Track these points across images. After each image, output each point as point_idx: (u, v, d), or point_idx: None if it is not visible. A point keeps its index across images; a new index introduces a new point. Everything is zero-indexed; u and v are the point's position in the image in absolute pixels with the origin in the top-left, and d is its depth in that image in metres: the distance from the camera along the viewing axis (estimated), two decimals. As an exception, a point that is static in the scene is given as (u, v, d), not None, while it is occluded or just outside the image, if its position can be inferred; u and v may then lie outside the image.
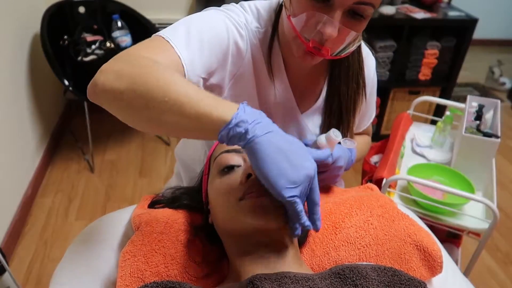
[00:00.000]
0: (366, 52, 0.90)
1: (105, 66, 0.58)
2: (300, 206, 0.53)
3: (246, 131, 0.50)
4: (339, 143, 0.78)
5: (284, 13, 0.73)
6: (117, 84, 0.55)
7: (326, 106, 0.87)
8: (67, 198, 2.09)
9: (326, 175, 0.82)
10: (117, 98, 0.55)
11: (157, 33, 0.68)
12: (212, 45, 0.69)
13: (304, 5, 0.67)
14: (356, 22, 0.67)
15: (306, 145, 0.83)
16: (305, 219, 0.54)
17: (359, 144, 1.01)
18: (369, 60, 0.90)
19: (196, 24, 0.69)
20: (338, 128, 0.85)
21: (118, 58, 0.59)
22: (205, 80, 0.71)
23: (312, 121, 0.89)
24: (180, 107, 0.51)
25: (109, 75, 0.56)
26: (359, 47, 0.83)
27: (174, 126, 0.54)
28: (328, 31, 0.65)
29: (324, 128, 0.88)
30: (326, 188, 0.89)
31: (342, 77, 0.84)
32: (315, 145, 0.79)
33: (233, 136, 0.51)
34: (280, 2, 0.79)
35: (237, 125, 0.50)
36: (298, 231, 0.58)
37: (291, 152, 0.52)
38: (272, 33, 0.79)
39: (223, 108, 0.52)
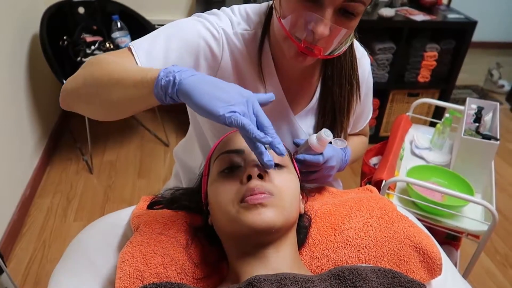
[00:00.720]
0: (361, 52, 0.90)
1: (72, 77, 0.67)
2: (243, 120, 0.52)
3: (174, 78, 0.55)
4: (330, 143, 0.78)
5: (275, 15, 0.73)
6: (74, 84, 0.66)
7: (319, 106, 0.87)
8: (66, 199, 2.08)
9: (317, 174, 0.82)
10: (76, 95, 0.66)
11: (132, 42, 0.72)
12: (180, 52, 0.72)
13: (294, 6, 0.67)
14: (347, 20, 0.67)
15: (298, 144, 0.83)
16: (256, 133, 0.53)
17: (355, 144, 1.01)
18: (363, 61, 0.90)
19: (165, 33, 0.73)
20: (331, 129, 0.85)
21: (80, 69, 0.67)
22: None
23: (306, 122, 0.89)
24: (121, 82, 0.59)
25: (69, 80, 0.67)
26: (352, 47, 0.83)
27: (123, 101, 0.61)
28: (320, 30, 0.65)
29: (318, 129, 0.88)
30: (325, 190, 0.89)
31: (335, 78, 0.84)
32: (306, 145, 0.79)
33: (164, 86, 0.55)
34: (270, 5, 0.79)
35: (165, 76, 0.55)
36: (265, 155, 0.57)
37: (219, 82, 0.56)
38: (262, 35, 0.79)
39: (156, 70, 0.57)
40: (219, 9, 0.82)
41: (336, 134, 0.87)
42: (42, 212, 2.00)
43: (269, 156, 0.58)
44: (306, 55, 0.70)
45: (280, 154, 0.58)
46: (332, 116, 0.87)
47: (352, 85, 0.85)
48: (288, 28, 0.69)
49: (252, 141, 0.55)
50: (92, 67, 0.64)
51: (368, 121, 1.03)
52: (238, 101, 0.54)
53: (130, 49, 0.70)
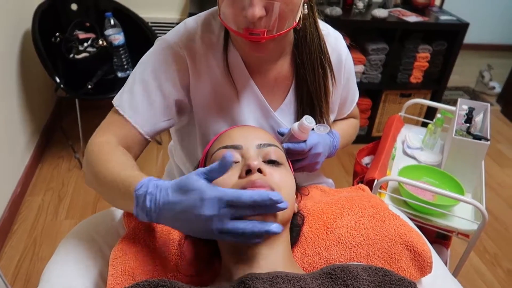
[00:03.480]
0: (335, 36, 0.90)
1: (83, 170, 0.77)
2: (227, 224, 0.53)
3: (151, 214, 0.58)
4: (313, 129, 0.78)
5: None
6: (88, 182, 0.75)
7: (296, 96, 0.88)
8: (57, 197, 2.07)
9: (304, 162, 0.82)
10: (93, 187, 0.74)
11: (114, 102, 0.80)
12: (159, 88, 0.78)
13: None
14: None
15: (282, 134, 0.83)
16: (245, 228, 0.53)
17: (344, 128, 1.01)
18: (339, 44, 0.90)
19: (138, 78, 0.79)
20: (312, 116, 0.85)
21: (85, 159, 0.75)
22: (176, 114, 0.83)
23: (287, 116, 0.89)
24: (112, 195, 0.67)
25: (86, 176, 0.75)
26: (318, 30, 0.83)
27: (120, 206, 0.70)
28: (251, 12, 0.65)
29: (299, 118, 0.88)
30: (317, 189, 0.90)
31: (307, 64, 0.83)
32: (290, 134, 0.79)
33: (144, 213, 0.59)
34: None
35: (141, 209, 0.59)
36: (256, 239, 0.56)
37: (188, 214, 0.55)
38: (225, 38, 0.81)
39: (132, 188, 0.60)
40: (210, 8, 0.85)
41: (317, 121, 0.87)
42: (33, 210, 1.98)
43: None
44: (256, 41, 0.70)
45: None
46: (311, 103, 0.87)
47: (324, 68, 0.85)
48: (228, 23, 0.70)
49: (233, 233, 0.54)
50: (90, 169, 0.71)
51: (354, 104, 1.03)
52: (208, 215, 0.53)
53: (117, 110, 0.78)
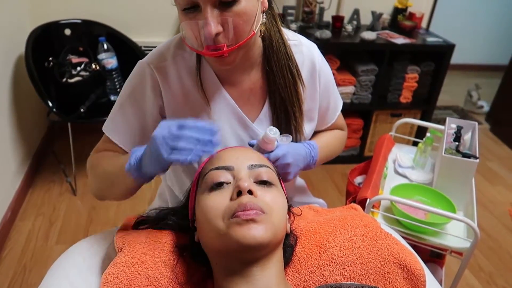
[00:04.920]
0: (307, 45, 0.93)
1: (88, 181, 0.90)
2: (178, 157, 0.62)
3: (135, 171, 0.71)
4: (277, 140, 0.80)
5: None
6: (94, 189, 0.88)
7: (270, 103, 0.89)
8: (48, 221, 2.04)
9: None
10: (102, 196, 0.88)
11: (103, 128, 0.90)
12: (133, 110, 0.86)
13: (183, 20, 0.73)
14: (229, 8, 0.70)
15: (252, 145, 0.85)
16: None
17: (327, 139, 1.02)
18: (312, 53, 0.92)
19: (119, 103, 0.88)
20: (287, 122, 0.88)
21: (89, 174, 0.90)
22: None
23: (266, 126, 0.90)
24: (115, 182, 0.79)
25: (91, 190, 0.89)
26: (282, 38, 0.86)
27: (124, 191, 0.80)
28: (206, 31, 0.70)
29: (274, 126, 0.89)
30: (310, 209, 0.90)
31: (276, 72, 0.86)
32: (258, 145, 0.81)
33: (132, 170, 0.71)
34: None
35: (129, 169, 0.71)
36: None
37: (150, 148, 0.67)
38: (198, 56, 0.85)
39: (124, 163, 0.72)
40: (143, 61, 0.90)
41: (292, 126, 0.89)
42: (23, 235, 1.94)
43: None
44: (220, 56, 0.74)
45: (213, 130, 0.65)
46: (285, 110, 0.89)
47: (293, 74, 0.88)
48: (190, 44, 0.75)
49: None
50: (92, 179, 0.87)
51: (338, 113, 1.04)
52: (164, 142, 0.63)
53: (108, 137, 0.88)
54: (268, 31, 0.83)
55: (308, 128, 0.95)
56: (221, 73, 0.86)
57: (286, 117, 0.89)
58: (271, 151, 0.80)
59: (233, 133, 0.88)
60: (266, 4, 0.79)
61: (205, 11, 0.69)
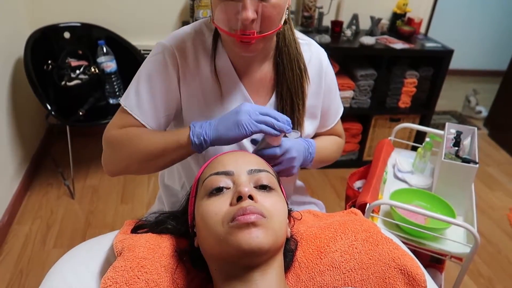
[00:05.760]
0: (316, 46, 0.97)
1: (103, 158, 0.88)
2: (260, 126, 0.74)
3: (204, 138, 0.77)
4: (285, 135, 0.82)
5: None
6: (120, 167, 0.86)
7: (277, 94, 0.93)
8: (45, 225, 2.03)
9: (280, 167, 0.85)
10: (127, 171, 0.87)
11: (122, 101, 0.88)
12: (162, 87, 0.87)
13: (217, 3, 0.75)
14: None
15: (256, 141, 0.87)
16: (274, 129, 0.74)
17: (325, 142, 1.04)
18: (319, 54, 0.97)
19: (144, 80, 0.87)
20: (292, 114, 0.92)
21: (107, 148, 0.87)
22: (173, 114, 0.92)
23: None
24: (162, 153, 0.81)
25: (108, 166, 0.88)
26: (293, 35, 0.91)
27: (167, 164, 0.84)
28: (244, 15, 0.72)
29: None
30: (310, 213, 0.90)
31: (286, 63, 0.90)
32: (263, 140, 0.82)
33: (199, 145, 0.77)
34: None
35: (197, 138, 0.77)
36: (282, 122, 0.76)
37: (225, 118, 0.78)
38: (214, 41, 0.88)
39: (185, 134, 0.79)
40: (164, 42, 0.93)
41: (296, 118, 0.93)
42: (20, 239, 1.93)
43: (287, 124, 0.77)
44: (247, 42, 0.77)
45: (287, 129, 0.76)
46: (291, 101, 0.92)
47: (301, 69, 0.92)
48: (221, 26, 0.77)
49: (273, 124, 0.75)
50: (125, 151, 0.83)
51: (339, 117, 1.07)
52: (247, 114, 0.75)
53: (124, 110, 0.86)
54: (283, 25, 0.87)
55: (309, 126, 0.97)
56: (237, 62, 0.89)
57: (291, 109, 0.92)
58: (277, 146, 0.82)
59: None
60: (290, 1, 0.83)
61: None
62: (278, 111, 0.91)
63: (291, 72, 0.90)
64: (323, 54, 0.98)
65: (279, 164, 0.84)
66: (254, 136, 0.86)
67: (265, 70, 0.92)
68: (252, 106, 0.76)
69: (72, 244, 1.89)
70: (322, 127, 1.04)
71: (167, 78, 0.87)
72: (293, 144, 0.86)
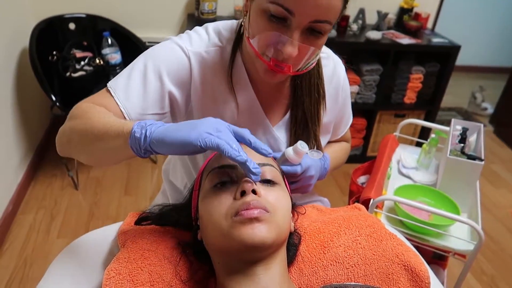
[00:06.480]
0: (334, 60, 0.92)
1: (62, 129, 0.73)
2: (217, 140, 0.55)
3: (146, 131, 0.59)
4: (307, 153, 0.80)
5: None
6: (64, 139, 0.72)
7: (291, 117, 0.90)
8: (49, 215, 2.04)
9: (297, 185, 0.84)
10: (68, 148, 0.72)
11: (109, 83, 0.77)
12: (158, 81, 0.77)
13: (262, 26, 0.69)
14: (314, 38, 0.70)
15: (275, 158, 0.84)
16: (231, 152, 0.55)
17: (335, 151, 1.03)
18: (338, 69, 0.93)
19: (139, 67, 0.78)
20: (304, 138, 0.88)
21: (69, 120, 0.73)
22: (167, 111, 0.80)
23: (284, 133, 0.91)
24: (102, 137, 0.64)
25: (59, 134, 0.73)
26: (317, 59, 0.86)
27: (106, 153, 0.66)
28: (288, 50, 0.68)
29: (291, 139, 0.90)
30: (314, 208, 0.89)
31: (304, 88, 0.86)
32: (283, 157, 0.81)
33: (138, 138, 0.59)
34: (241, 23, 0.82)
35: (139, 130, 0.59)
36: (249, 163, 0.57)
37: (190, 121, 0.60)
38: (233, 50, 0.82)
39: (130, 124, 0.61)
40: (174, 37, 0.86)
41: (310, 144, 0.89)
42: (24, 228, 1.95)
43: (254, 163, 0.58)
44: (275, 72, 0.73)
45: (266, 154, 0.60)
46: (305, 125, 0.89)
47: (319, 94, 0.88)
48: (257, 48, 0.72)
49: (225, 151, 0.56)
50: (75, 122, 0.70)
51: (348, 126, 1.06)
52: (210, 126, 0.57)
53: (108, 90, 0.75)
54: None
55: (322, 141, 0.95)
56: (255, 77, 0.85)
57: (305, 132, 0.89)
58: (297, 164, 0.81)
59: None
60: None
61: (295, 31, 0.67)
62: (291, 133, 0.90)
63: (308, 98, 0.87)
64: (341, 67, 0.94)
65: (297, 182, 0.83)
66: (275, 154, 0.83)
67: (282, 88, 0.88)
68: (229, 124, 0.62)
69: (75, 234, 1.91)
70: (333, 136, 1.03)
71: (169, 72, 0.79)
72: (312, 163, 0.84)
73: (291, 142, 0.90)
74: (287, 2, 0.65)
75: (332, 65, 0.91)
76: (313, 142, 0.89)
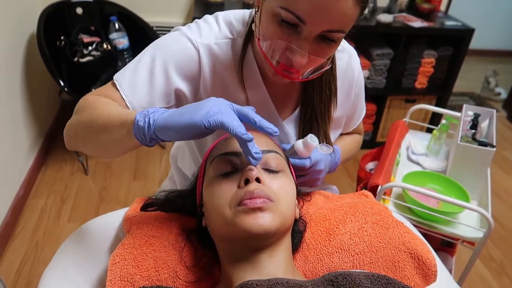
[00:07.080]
0: (349, 54, 0.89)
1: (71, 122, 0.74)
2: (223, 118, 0.55)
3: (149, 119, 0.58)
4: (316, 147, 0.79)
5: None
6: (71, 131, 0.72)
7: (301, 112, 0.88)
8: (60, 200, 2.07)
9: (306, 178, 0.83)
10: (75, 141, 0.72)
11: (115, 76, 0.76)
12: (164, 76, 0.75)
13: (272, 30, 0.66)
14: (326, 45, 0.67)
15: (284, 150, 0.83)
16: (237, 129, 0.54)
17: (347, 144, 1.01)
18: (353, 62, 0.90)
19: (146, 61, 0.76)
20: (314, 133, 0.85)
21: (77, 113, 0.73)
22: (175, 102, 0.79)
23: (293, 128, 0.89)
24: (107, 127, 0.64)
25: (67, 127, 0.74)
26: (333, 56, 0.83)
27: (111, 144, 0.66)
28: (297, 59, 0.66)
29: (300, 135, 0.88)
30: (320, 195, 0.89)
31: (316, 85, 0.84)
32: (292, 150, 0.80)
33: (141, 127, 0.58)
34: (253, 17, 0.79)
35: (142, 118, 0.59)
36: (251, 147, 0.57)
37: (194, 104, 0.59)
38: (245, 43, 0.80)
39: (134, 113, 0.61)
40: (212, 13, 0.83)
41: (319, 139, 0.86)
42: (35, 213, 1.98)
43: (257, 148, 0.58)
44: (284, 77, 0.71)
45: (272, 133, 0.59)
46: (314, 121, 0.87)
47: (331, 91, 0.85)
48: (266, 52, 0.69)
49: (230, 129, 0.55)
50: (81, 114, 0.71)
51: (361, 119, 1.03)
52: (213, 107, 0.57)
53: (114, 84, 0.74)
54: None
55: (332, 136, 0.93)
56: (265, 71, 0.81)
57: (314, 128, 0.87)
58: (306, 158, 0.80)
59: None
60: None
61: (306, 40, 0.65)
62: (300, 129, 0.88)
63: (318, 96, 0.84)
64: (356, 61, 0.90)
65: (305, 175, 0.82)
66: (284, 146, 0.83)
67: (294, 84, 0.86)
68: (230, 103, 0.61)
69: (85, 218, 1.93)
70: (345, 129, 1.01)
71: (177, 66, 0.77)
72: (322, 157, 0.83)
73: (301, 137, 0.88)
74: (299, 11, 0.62)
75: (346, 58, 0.88)
76: (323, 139, 0.88)
